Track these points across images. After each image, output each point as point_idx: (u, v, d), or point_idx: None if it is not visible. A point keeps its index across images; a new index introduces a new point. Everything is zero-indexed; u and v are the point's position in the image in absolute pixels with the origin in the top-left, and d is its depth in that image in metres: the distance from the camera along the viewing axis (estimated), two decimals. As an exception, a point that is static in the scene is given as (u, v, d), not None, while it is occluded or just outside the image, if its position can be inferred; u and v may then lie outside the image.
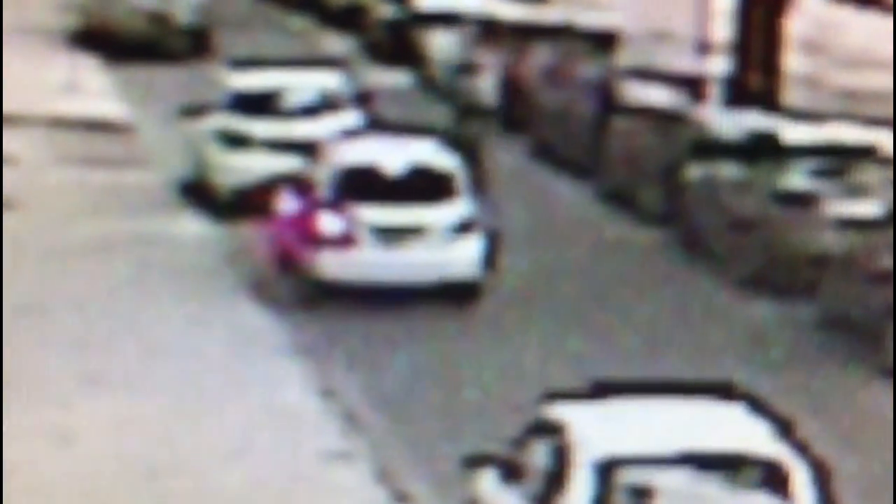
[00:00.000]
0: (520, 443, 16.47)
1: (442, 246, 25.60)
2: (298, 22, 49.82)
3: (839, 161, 27.46)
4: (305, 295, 25.44)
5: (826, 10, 51.49)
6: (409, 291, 25.26)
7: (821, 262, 25.55)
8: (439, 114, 36.65)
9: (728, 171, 28.42)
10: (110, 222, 29.37)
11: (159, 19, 44.59)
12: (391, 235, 25.47)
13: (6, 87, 38.62)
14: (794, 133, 28.48)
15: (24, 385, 21.47)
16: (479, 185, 26.79)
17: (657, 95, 32.84)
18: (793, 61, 36.38)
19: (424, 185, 25.94)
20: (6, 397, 20.97)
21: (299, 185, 26.53)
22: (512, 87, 37.81)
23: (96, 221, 29.36)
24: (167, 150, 33.29)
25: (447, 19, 42.18)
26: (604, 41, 37.79)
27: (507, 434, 16.92)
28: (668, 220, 29.76)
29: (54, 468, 18.99)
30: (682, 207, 29.44)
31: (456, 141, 27.58)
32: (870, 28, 54.07)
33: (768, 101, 33.49)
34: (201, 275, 26.64)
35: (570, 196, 32.84)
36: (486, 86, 39.02)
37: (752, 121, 29.88)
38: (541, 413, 16.44)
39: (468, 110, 38.46)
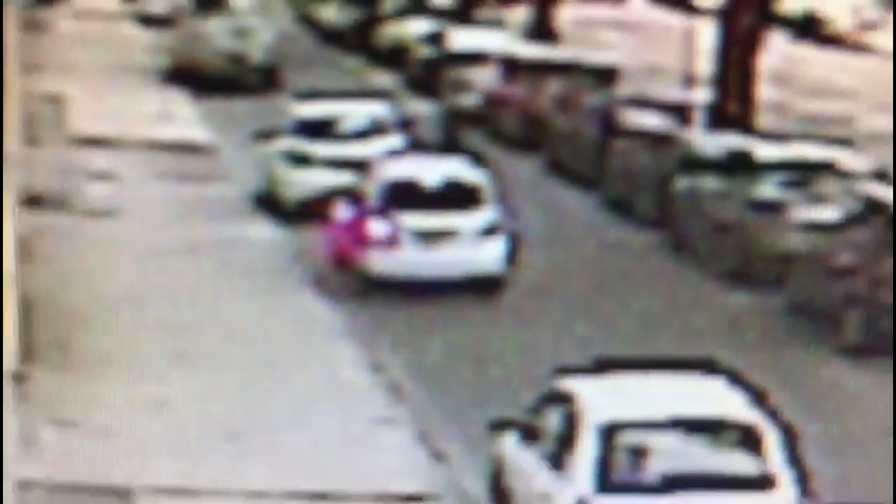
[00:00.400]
0: (536, 410, 16.45)
1: (471, 246, 25.58)
2: (352, 61, 49.81)
3: (803, 174, 27.39)
4: (357, 287, 25.45)
5: (791, 47, 51.41)
6: (443, 284, 25.26)
7: (788, 259, 25.50)
8: (469, 137, 36.55)
9: (710, 183, 28.36)
10: (196, 228, 29.41)
11: (237, 59, 44.63)
12: (429, 237, 25.47)
13: (110, 117, 38.68)
14: (765, 151, 28.40)
15: (124, 363, 21.52)
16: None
17: (651, 120, 32.80)
18: (764, 91, 36.30)
19: (456, 196, 25.94)
20: (112, 372, 21.03)
21: (353, 196, 26.55)
22: (529, 114, 37.78)
23: (184, 227, 29.41)
24: (243, 167, 33.32)
25: (476, 58, 42.16)
26: (606, 75, 37.75)
27: (526, 403, 16.89)
28: (660, 225, 29.73)
29: (151, 431, 19.03)
30: (671, 214, 29.39)
31: (479, 160, 27.54)
32: (828, 63, 53.94)
33: (743, 124, 33.38)
34: (271, 271, 26.67)
35: (577, 204, 32.81)
36: (509, 113, 39.04)
37: (730, 141, 29.81)
38: (554, 385, 16.42)
39: (498, 134, 38.42)
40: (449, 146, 31.64)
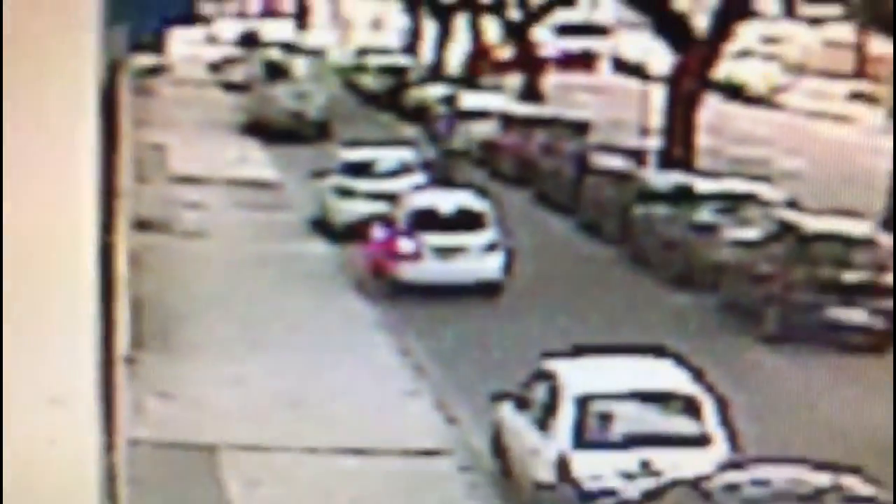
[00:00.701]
0: (527, 385, 16.41)
1: (477, 259, 25.53)
2: (385, 118, 49.87)
3: (732, 203, 27.31)
4: (389, 291, 25.38)
5: (722, 106, 51.27)
6: (456, 288, 25.21)
7: (720, 268, 25.41)
8: (475, 176, 36.52)
9: (660, 210, 28.28)
10: (266, 245, 29.39)
11: (298, 115, 44.63)
12: (445, 252, 25.41)
13: (200, 161, 38.70)
14: (702, 185, 28.34)
15: (211, 349, 21.51)
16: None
17: (615, 162, 32.73)
18: (702, 139, 36.23)
19: (465, 220, 25.89)
20: (201, 356, 21.01)
21: (386, 220, 26.52)
22: (521, 157, 37.75)
23: (257, 245, 29.39)
24: (302, 199, 33.29)
25: (480, 114, 42.20)
26: (580, 127, 37.66)
27: (519, 379, 16.84)
28: (622, 242, 29.64)
29: (230, 402, 19.00)
30: (631, 234, 29.31)
31: (484, 193, 27.50)
32: (750, 117, 53.84)
33: (686, 165, 33.31)
34: (324, 278, 26.63)
35: (558, 227, 32.73)
36: (506, 157, 39.03)
37: (675, 178, 29.75)
38: (540, 365, 16.39)
39: (497, 174, 38.37)
40: (447, 181, 31.63)
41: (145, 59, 44.20)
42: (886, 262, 23.65)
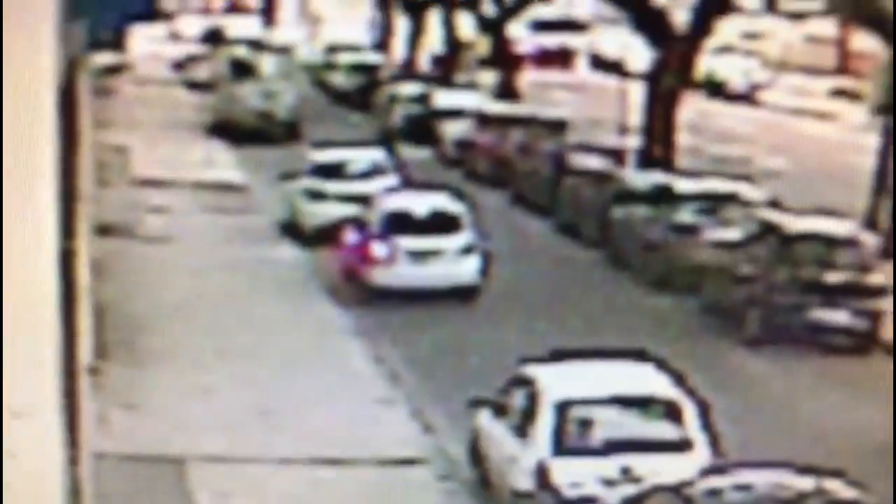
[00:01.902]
0: (505, 391, 16.44)
1: (453, 262, 25.53)
2: (356, 117, 49.84)
3: (713, 203, 27.38)
4: (363, 296, 25.39)
5: (703, 104, 51.44)
6: (431, 293, 25.22)
7: (702, 270, 25.50)
8: (449, 177, 36.55)
9: (640, 210, 28.35)
10: (234, 250, 29.36)
11: (266, 115, 44.57)
12: (419, 256, 25.42)
13: (164, 163, 38.66)
14: (683, 185, 28.42)
15: (177, 358, 21.47)
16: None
17: (593, 162, 32.81)
18: (682, 138, 36.36)
19: (440, 222, 25.89)
20: (168, 366, 20.97)
21: (358, 223, 26.51)
22: (497, 157, 37.81)
23: (224, 250, 29.35)
24: (271, 202, 33.28)
25: (455, 113, 42.21)
26: (558, 126, 37.69)
27: (497, 386, 16.86)
28: (601, 244, 29.70)
29: (199, 412, 19.00)
30: (610, 235, 29.37)
31: (459, 195, 27.53)
32: (731, 115, 54.02)
33: (666, 164, 33.41)
34: (294, 284, 26.61)
35: (536, 228, 32.79)
36: (481, 157, 39.07)
37: (655, 177, 29.84)
38: (518, 371, 16.43)
39: (472, 175, 38.39)
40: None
41: (105, 57, 43.95)
42: (870, 263, 23.78)
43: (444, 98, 44.47)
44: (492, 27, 51.77)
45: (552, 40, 66.56)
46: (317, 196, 30.28)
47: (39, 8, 4.62)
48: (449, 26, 55.84)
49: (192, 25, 69.70)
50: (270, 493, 16.33)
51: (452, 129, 41.65)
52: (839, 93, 58.36)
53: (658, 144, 35.04)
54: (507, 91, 48.97)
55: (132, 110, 48.58)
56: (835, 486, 12.87)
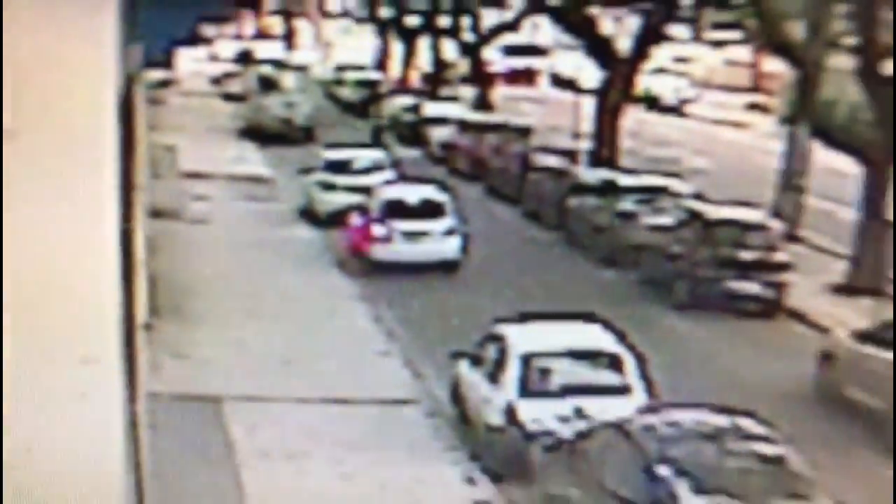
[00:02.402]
0: (481, 345, 16.47)
1: (438, 241, 25.53)
2: (360, 124, 49.69)
3: (649, 195, 27.42)
4: (365, 268, 25.38)
5: (642, 114, 51.38)
6: (420, 266, 25.22)
7: (640, 249, 25.54)
8: (435, 172, 36.49)
9: (590, 201, 28.36)
10: (261, 230, 29.30)
11: (287, 121, 44.42)
12: (411, 236, 25.40)
13: (205, 159, 38.52)
14: (625, 180, 28.43)
15: (215, 316, 21.45)
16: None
17: (552, 160, 32.80)
18: (624, 142, 36.36)
19: (428, 209, 25.87)
20: (207, 323, 20.92)
21: (362, 209, 26.49)
22: (474, 157, 37.75)
23: (253, 231, 29.30)
24: (291, 191, 33.19)
25: (441, 120, 42.14)
26: (524, 132, 37.63)
27: (474, 341, 16.88)
28: (559, 228, 29.72)
29: (232, 361, 19.00)
30: (566, 221, 29.38)
31: (444, 187, 27.49)
32: (665, 124, 53.98)
33: (611, 163, 33.44)
34: (310, 258, 26.59)
35: (506, 215, 32.75)
36: (462, 156, 38.99)
37: (603, 174, 29.87)
38: (491, 330, 16.44)
39: (454, 171, 38.30)
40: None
41: (157, 74, 43.82)
42: (776, 244, 23.82)
43: (431, 108, 44.39)
44: (470, 51, 51.71)
45: (520, 62, 66.46)
46: (328, 187, 30.23)
47: (105, 35, 4.63)
48: (435, 50, 55.78)
49: (228, 48, 69.27)
50: (289, 425, 16.33)
51: (438, 134, 41.59)
52: (752, 106, 58.40)
53: (605, 147, 35.06)
54: (482, 103, 48.90)
55: (179, 117, 48.38)
56: (747, 424, 12.91)
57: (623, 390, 14.98)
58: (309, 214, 30.73)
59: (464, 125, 40.14)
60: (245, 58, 63.68)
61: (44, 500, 3.78)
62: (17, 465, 3.72)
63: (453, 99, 49.16)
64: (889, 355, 17.37)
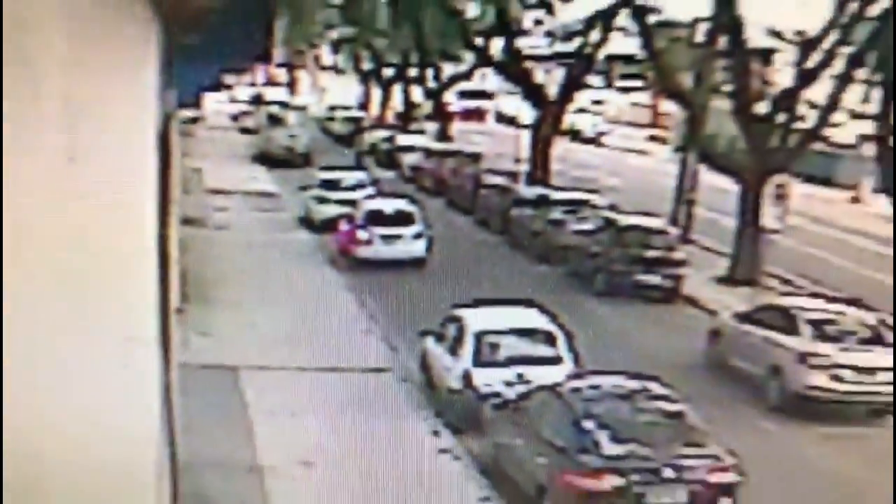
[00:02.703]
0: (443, 325, 16.35)
1: (409, 243, 25.41)
2: (348, 151, 49.43)
3: (574, 207, 27.45)
4: (352, 265, 25.21)
5: (567, 144, 51.44)
6: (395, 263, 25.07)
7: (567, 249, 25.51)
8: (406, 189, 36.34)
9: (528, 211, 28.33)
10: (269, 234, 29.05)
11: (290, 149, 44.14)
12: (388, 238, 25.26)
13: (225, 179, 38.21)
14: (555, 195, 28.46)
15: (233, 303, 21.20)
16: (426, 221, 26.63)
17: (498, 180, 32.74)
18: (554, 166, 36.35)
19: (402, 217, 25.76)
20: (227, 308, 20.69)
21: (349, 218, 26.33)
22: (437, 177, 37.65)
23: (263, 234, 29.04)
24: (293, 204, 32.96)
25: (410, 148, 42.03)
26: (475, 157, 37.71)
27: (437, 322, 16.76)
28: (504, 233, 29.64)
29: (246, 338, 18.77)
30: (510, 227, 29.33)
31: (413, 200, 27.35)
32: (585, 152, 54.08)
33: (545, 182, 33.44)
34: (308, 256, 26.37)
35: (461, 222, 32.61)
36: (427, 177, 38.87)
37: (538, 190, 29.85)
38: (451, 312, 16.33)
39: (421, 188, 38.19)
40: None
41: (188, 112, 43.42)
42: (674, 245, 23.88)
43: (403, 139, 44.29)
44: (433, 95, 51.63)
45: (472, 103, 66.51)
46: (322, 200, 30.06)
47: (148, 82, 4.58)
48: (406, 94, 55.69)
49: (244, 92, 68.80)
50: (292, 389, 16.16)
51: (408, 159, 41.45)
52: (652, 138, 58.66)
53: (539, 170, 35.07)
54: (443, 135, 48.76)
55: (205, 146, 47.97)
56: (654, 386, 12.88)
57: (556, 360, 14.92)
58: (307, 222, 30.51)
59: (428, 152, 40.07)
60: (257, 100, 63.32)
61: (93, 453, 3.66)
62: (70, 424, 3.59)
63: (420, 132, 49.03)
64: (763, 332, 17.41)
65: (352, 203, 27.60)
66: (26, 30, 3.30)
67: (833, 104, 25.78)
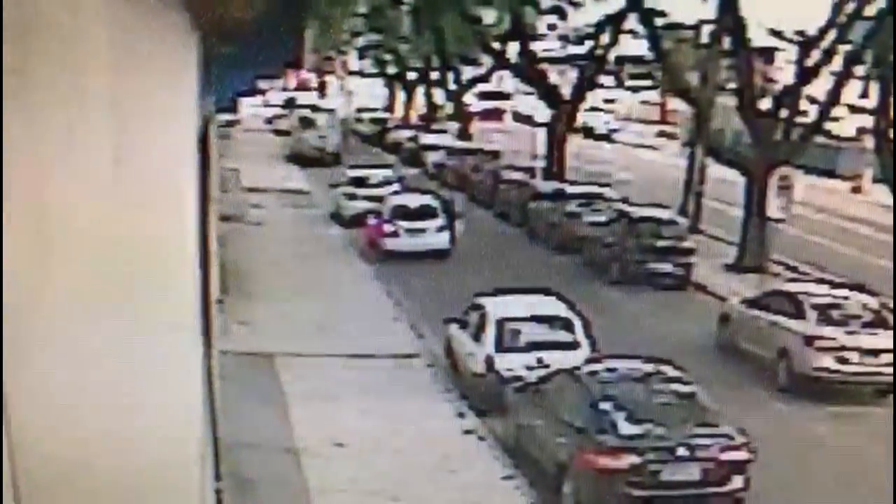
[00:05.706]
0: (466, 312, 16.32)
1: (433, 236, 25.41)
2: (374, 150, 49.47)
3: (588, 200, 27.36)
4: (379, 257, 25.23)
5: (581, 141, 51.24)
6: (420, 254, 25.07)
7: (583, 239, 25.43)
8: (430, 185, 36.33)
9: (545, 204, 28.25)
10: (302, 230, 29.12)
11: (320, 149, 44.30)
12: (413, 232, 25.26)
13: (260, 178, 38.33)
14: (570, 189, 28.38)
15: (268, 294, 21.26)
16: (452, 214, 26.54)
17: (516, 175, 32.68)
18: (569, 162, 36.24)
19: (427, 212, 25.75)
20: (263, 299, 20.74)
21: (376, 213, 26.35)
22: (459, 174, 37.61)
23: (296, 229, 29.12)
24: (325, 200, 33.04)
25: (433, 147, 42.01)
26: (495, 154, 37.71)
27: (461, 309, 16.74)
28: (523, 225, 29.59)
29: (282, 327, 18.82)
30: (528, 219, 29.27)
31: (442, 200, 27.27)
32: (598, 148, 53.87)
33: (560, 177, 33.35)
34: (339, 249, 26.41)
35: (483, 216, 32.54)
36: (450, 174, 38.83)
37: (554, 185, 29.77)
38: (474, 300, 16.31)
39: (444, 184, 38.15)
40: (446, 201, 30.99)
41: (225, 116, 43.57)
42: (683, 235, 23.76)
43: (426, 138, 44.26)
44: (454, 96, 51.55)
45: (490, 104, 66.43)
46: (351, 197, 30.10)
47: (189, 88, 4.63)
48: (428, 96, 55.66)
49: (277, 97, 69.03)
50: (324, 374, 16.18)
51: (432, 157, 41.45)
52: (662, 134, 58.38)
53: (555, 165, 34.97)
54: (463, 134, 48.72)
55: (241, 147, 48.13)
56: (666, 369, 12.82)
57: (573, 345, 14.88)
58: (337, 217, 30.56)
59: (450, 150, 40.04)
60: (290, 104, 63.43)
61: (139, 434, 3.69)
62: (117, 407, 3.62)
63: (442, 131, 48.99)
64: (770, 316, 17.29)
65: (379, 199, 27.62)
66: (75, 41, 3.31)
67: (833, 99, 25.64)
